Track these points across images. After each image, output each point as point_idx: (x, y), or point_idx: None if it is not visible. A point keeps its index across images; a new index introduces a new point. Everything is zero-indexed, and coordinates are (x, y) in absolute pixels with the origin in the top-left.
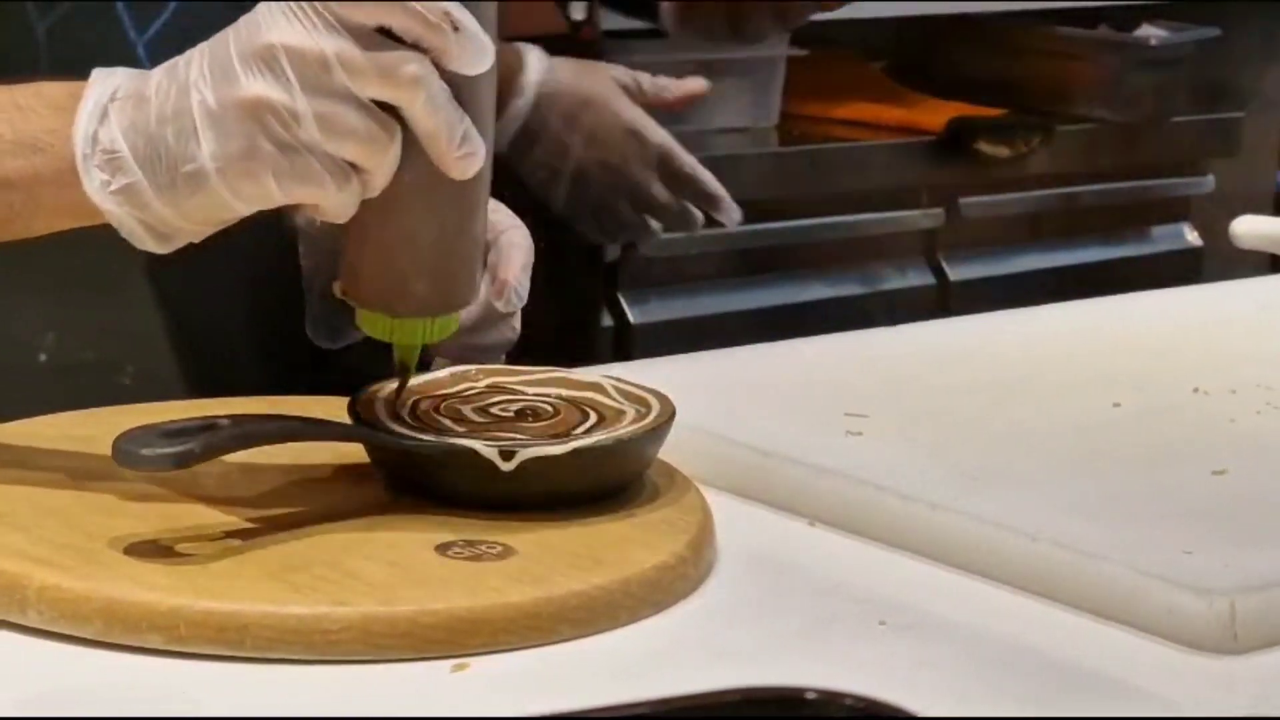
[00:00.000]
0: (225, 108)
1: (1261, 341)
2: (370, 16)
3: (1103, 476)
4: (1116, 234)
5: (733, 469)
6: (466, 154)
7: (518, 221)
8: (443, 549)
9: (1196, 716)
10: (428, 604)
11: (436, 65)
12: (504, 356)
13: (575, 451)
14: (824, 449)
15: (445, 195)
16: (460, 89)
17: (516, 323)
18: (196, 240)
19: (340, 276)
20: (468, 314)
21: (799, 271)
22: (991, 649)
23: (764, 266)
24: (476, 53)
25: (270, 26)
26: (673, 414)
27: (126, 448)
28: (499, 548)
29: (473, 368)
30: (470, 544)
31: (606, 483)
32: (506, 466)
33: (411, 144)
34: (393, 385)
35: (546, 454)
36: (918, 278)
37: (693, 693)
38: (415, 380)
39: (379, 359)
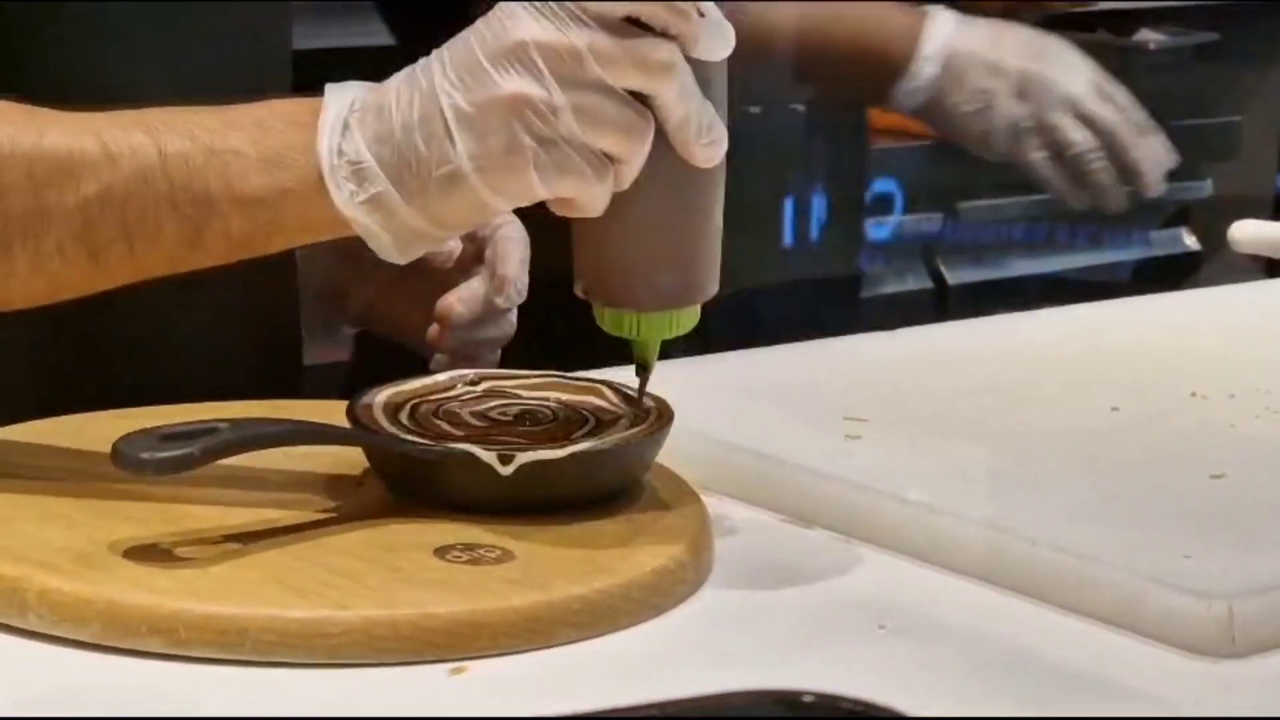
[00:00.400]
0: (480, 107)
1: (1260, 346)
2: (619, 8)
3: (1101, 480)
4: (1115, 238)
5: (731, 473)
6: (711, 141)
7: (512, 217)
8: (442, 553)
9: (1195, 718)
10: (428, 608)
11: (682, 52)
12: (499, 352)
13: (574, 456)
14: (823, 453)
15: (688, 184)
16: (701, 76)
17: (513, 317)
18: (435, 248)
19: (579, 277)
20: (469, 309)
21: (797, 275)
22: (990, 652)
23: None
24: (721, 38)
25: (517, 25)
26: (671, 418)
27: (126, 451)
28: (498, 551)
29: (471, 372)
30: (469, 548)
31: (605, 487)
32: (505, 470)
33: (657, 134)
34: (390, 389)
35: (545, 458)
36: (915, 281)
37: (691, 696)
38: (414, 383)
39: (377, 360)
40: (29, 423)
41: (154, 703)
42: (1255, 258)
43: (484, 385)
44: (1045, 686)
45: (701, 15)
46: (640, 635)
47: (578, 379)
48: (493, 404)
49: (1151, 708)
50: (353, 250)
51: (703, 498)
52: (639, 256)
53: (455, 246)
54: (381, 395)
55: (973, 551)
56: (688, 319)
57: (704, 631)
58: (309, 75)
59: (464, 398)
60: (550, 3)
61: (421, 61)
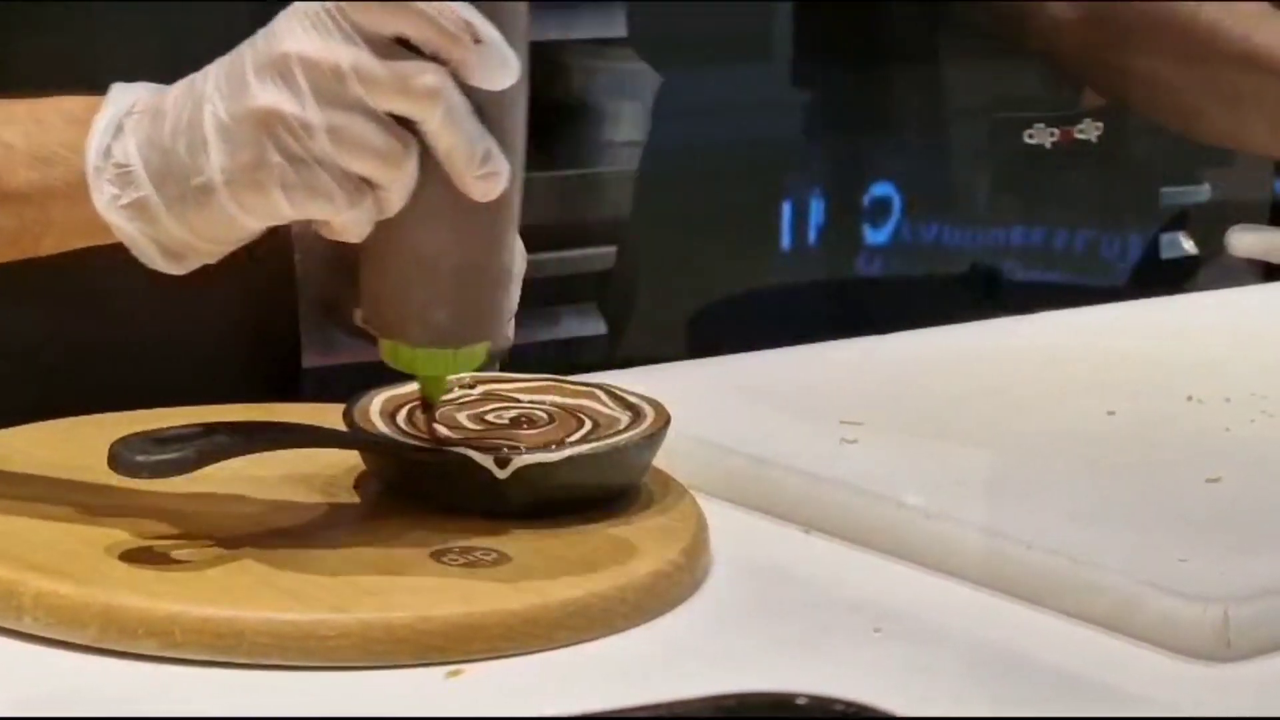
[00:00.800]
0: (236, 119)
1: (1256, 350)
2: (386, 25)
3: (1097, 484)
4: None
5: (728, 476)
6: (488, 174)
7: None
8: (438, 556)
9: (1190, 718)
10: (424, 611)
11: (459, 79)
12: (498, 363)
13: (570, 459)
14: (819, 456)
15: (467, 218)
16: (485, 105)
17: (510, 329)
18: (211, 260)
19: (360, 303)
20: None
21: (795, 279)
22: (986, 656)
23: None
24: (500, 66)
25: (287, 36)
26: (668, 421)
27: (123, 454)
28: (495, 554)
29: (468, 376)
30: (466, 551)
31: (602, 490)
32: (502, 474)
33: (432, 163)
34: (387, 392)
35: (542, 461)
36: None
37: (687, 698)
38: (411, 387)
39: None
40: (24, 425)
41: (150, 705)
42: (1253, 262)
43: (480, 389)
44: (1041, 690)
45: (478, 41)
46: (637, 638)
47: (574, 383)
48: (489, 407)
49: (1147, 711)
50: (348, 261)
51: (699, 501)
52: (411, 289)
53: None
54: (378, 398)
55: (968, 555)
56: (466, 359)
57: (700, 634)
58: None
59: (461, 401)
60: (329, 12)
61: (208, 66)
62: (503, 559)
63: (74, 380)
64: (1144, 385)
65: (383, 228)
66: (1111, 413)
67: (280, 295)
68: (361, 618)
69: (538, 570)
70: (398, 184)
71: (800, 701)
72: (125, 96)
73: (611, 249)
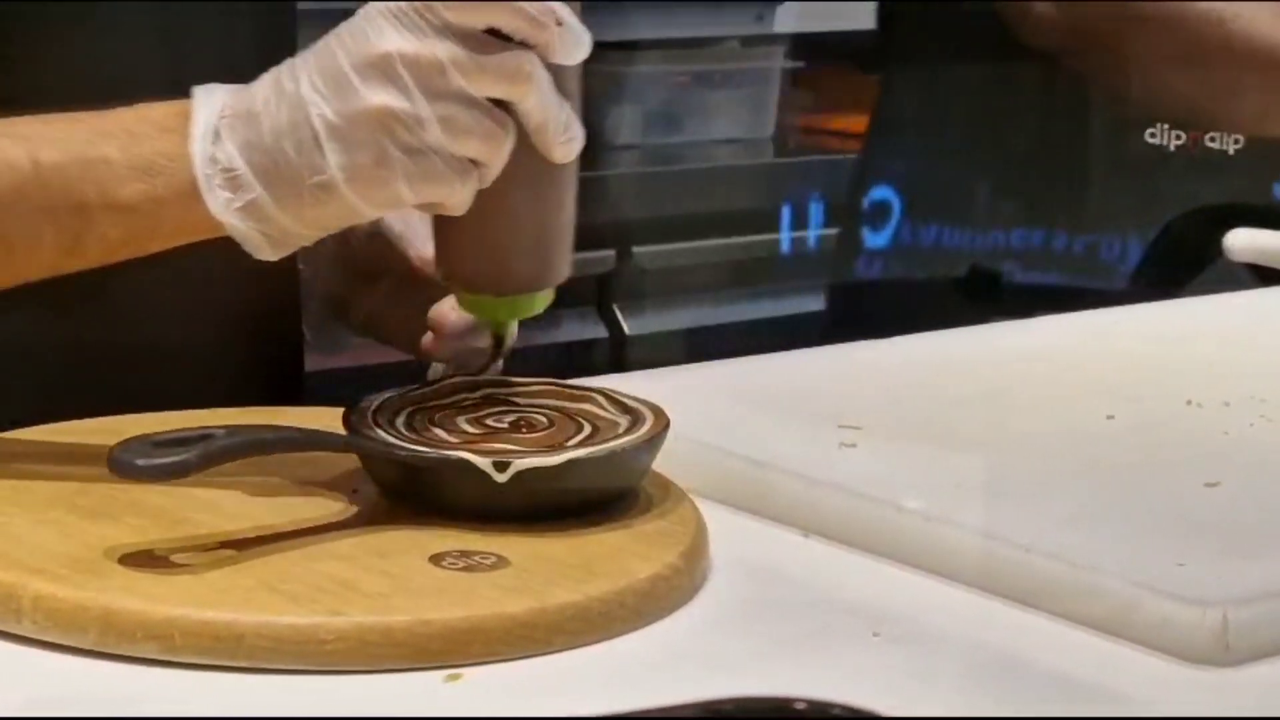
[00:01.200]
0: (348, 119)
1: (1255, 354)
2: (479, 19)
3: (1096, 488)
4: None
5: (727, 480)
6: (569, 139)
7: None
8: (437, 559)
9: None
10: (423, 614)
11: (541, 58)
12: (501, 362)
13: (569, 463)
14: (818, 460)
15: (546, 179)
16: (558, 78)
17: (513, 326)
18: (309, 244)
19: (439, 264)
20: (462, 317)
21: (794, 283)
22: (984, 660)
23: (759, 278)
24: (577, 44)
25: (380, 35)
26: (667, 425)
27: (122, 457)
28: (493, 558)
29: (467, 379)
30: (465, 554)
31: (601, 494)
32: (501, 478)
33: (519, 133)
34: (386, 396)
35: (541, 465)
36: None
37: (686, 702)
38: (410, 390)
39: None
40: (24, 429)
41: (149, 708)
42: (1251, 266)
43: (480, 392)
44: (1039, 694)
45: (559, 24)
46: (635, 642)
47: (573, 386)
48: (488, 411)
49: (1146, 715)
50: (354, 261)
51: (698, 504)
52: (499, 246)
53: None
54: (377, 402)
55: (967, 558)
56: (541, 301)
57: (699, 638)
58: None
59: (460, 405)
60: (416, 9)
61: (285, 65)
62: (501, 563)
63: (78, 384)
64: (1143, 389)
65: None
66: (1111, 416)
67: (284, 297)
68: (360, 621)
69: (536, 574)
70: (498, 160)
71: (799, 706)
72: (212, 100)
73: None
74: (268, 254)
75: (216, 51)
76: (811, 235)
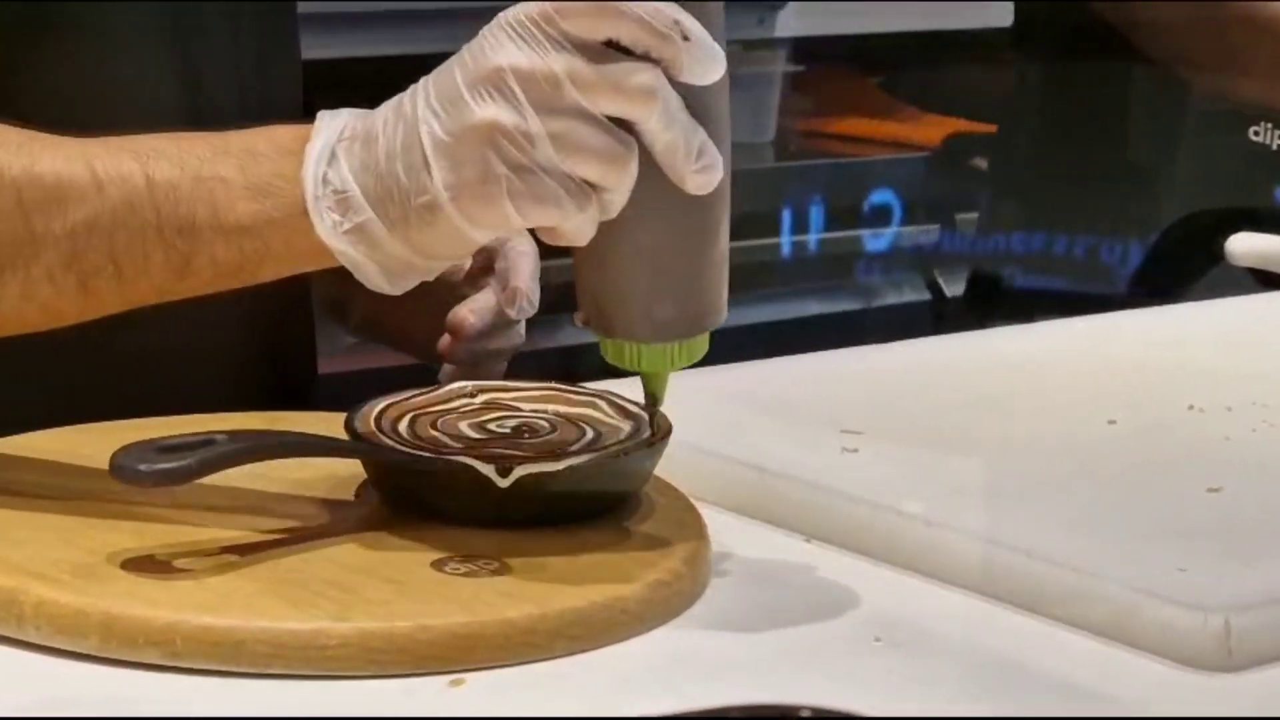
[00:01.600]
0: (455, 135)
1: (1257, 359)
2: (597, 30)
3: (1098, 493)
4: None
5: (729, 485)
6: (704, 167)
7: (521, 230)
8: (439, 565)
9: None
10: (425, 620)
11: (668, 76)
12: (505, 364)
13: (571, 468)
14: (820, 466)
15: (685, 212)
16: (693, 100)
17: (521, 329)
18: (429, 278)
19: (580, 306)
20: (480, 320)
21: (795, 287)
22: (987, 665)
23: (760, 282)
24: (709, 61)
25: (496, 50)
26: (669, 430)
27: (124, 463)
28: (495, 564)
29: (470, 384)
30: (467, 560)
31: (603, 499)
32: (503, 483)
33: (648, 160)
34: (388, 401)
35: (543, 470)
36: (913, 293)
37: (689, 711)
38: (412, 396)
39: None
40: (27, 434)
41: (150, 713)
42: (1253, 271)
43: (482, 397)
44: (1041, 699)
45: (686, 39)
46: (637, 648)
47: (576, 391)
48: (491, 416)
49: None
50: None
51: (700, 510)
52: (635, 287)
53: (466, 260)
54: (379, 407)
55: (969, 564)
56: (691, 350)
57: (701, 644)
58: (319, 86)
59: (462, 410)
60: (535, 23)
61: (412, 87)
62: (503, 568)
63: (91, 387)
64: (1145, 394)
65: (603, 227)
66: (1112, 421)
67: (297, 301)
68: (362, 627)
69: (538, 579)
70: (620, 184)
71: (804, 715)
72: (334, 123)
73: None
74: (384, 286)
75: (221, 53)
76: (812, 239)
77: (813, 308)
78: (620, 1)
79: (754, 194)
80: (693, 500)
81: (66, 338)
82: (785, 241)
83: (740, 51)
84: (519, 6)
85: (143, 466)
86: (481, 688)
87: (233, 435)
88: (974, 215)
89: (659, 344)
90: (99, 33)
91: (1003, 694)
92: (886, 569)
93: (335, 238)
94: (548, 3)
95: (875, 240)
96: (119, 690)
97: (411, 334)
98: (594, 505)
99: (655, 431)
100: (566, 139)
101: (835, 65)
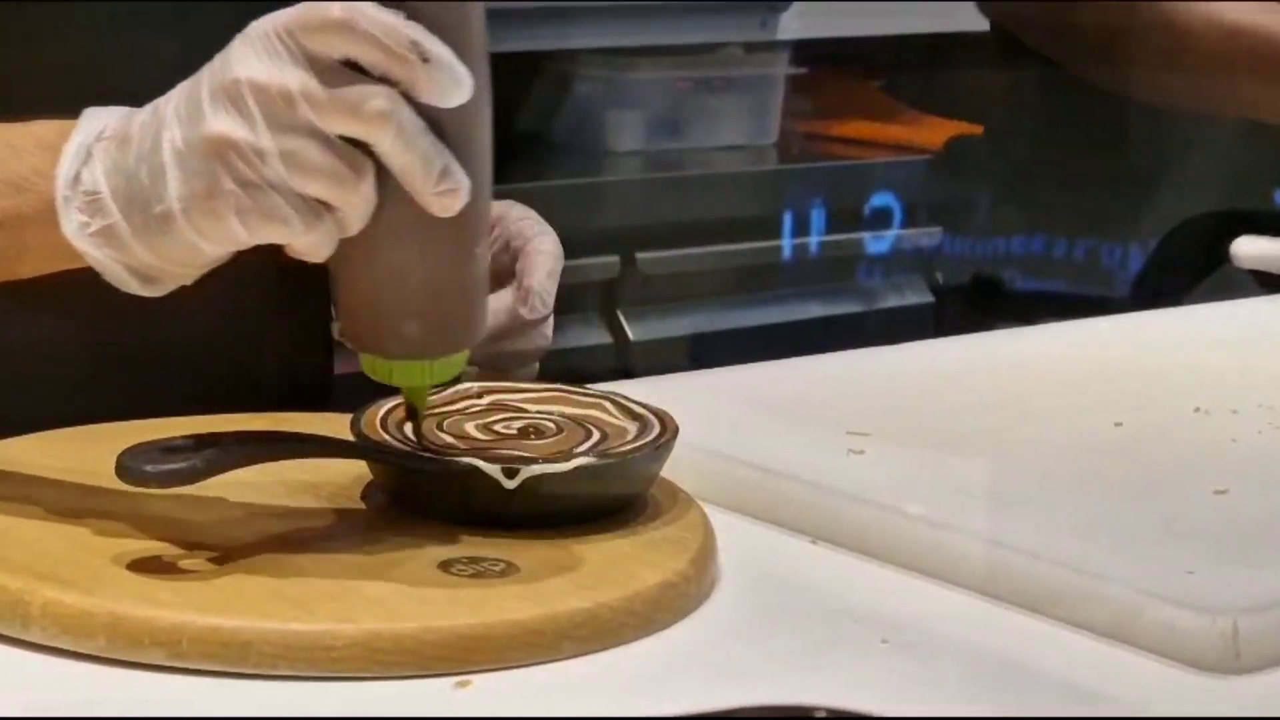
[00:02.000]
0: (190, 146)
1: (1263, 362)
2: (334, 48)
3: (1104, 495)
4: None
5: (735, 487)
6: (447, 190)
7: (547, 228)
8: (446, 566)
9: None
10: (431, 621)
11: (411, 98)
12: (537, 366)
13: (578, 469)
14: (826, 467)
15: (433, 233)
16: (442, 121)
17: (548, 330)
18: (186, 283)
19: (336, 317)
20: (495, 321)
21: (797, 289)
22: (992, 667)
23: (761, 284)
24: (449, 84)
25: (239, 61)
26: (675, 432)
27: (130, 463)
28: (502, 565)
29: (475, 385)
30: (473, 561)
31: (609, 500)
32: (509, 484)
33: (394, 181)
34: (393, 402)
35: (549, 472)
36: (915, 296)
37: (700, 712)
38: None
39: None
40: (32, 435)
41: (156, 714)
42: (1254, 273)
43: (489, 399)
44: (1048, 701)
45: (426, 60)
46: (644, 649)
47: (582, 393)
48: (497, 417)
49: None
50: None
51: (706, 511)
52: (383, 304)
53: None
54: (385, 408)
55: (975, 566)
56: (443, 369)
57: (707, 646)
58: None
59: (468, 411)
60: (280, 37)
61: (174, 89)
62: (510, 569)
63: (106, 386)
64: (1151, 396)
65: (351, 245)
66: (1119, 424)
67: (312, 302)
68: (368, 628)
69: (545, 581)
70: (354, 205)
71: (819, 715)
72: (95, 122)
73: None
74: (136, 289)
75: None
76: (814, 241)
77: (814, 310)
78: (359, 18)
79: (756, 197)
80: (699, 501)
81: (75, 336)
82: (787, 244)
83: (742, 54)
84: (269, 16)
85: (149, 467)
86: (488, 689)
87: (239, 436)
88: (975, 218)
89: (409, 361)
90: (93, 29)
91: (1008, 695)
92: (893, 571)
93: (81, 239)
94: (294, 16)
95: (877, 243)
96: (125, 691)
97: None
98: (600, 506)
99: (662, 433)
100: (297, 158)
101: (837, 68)
